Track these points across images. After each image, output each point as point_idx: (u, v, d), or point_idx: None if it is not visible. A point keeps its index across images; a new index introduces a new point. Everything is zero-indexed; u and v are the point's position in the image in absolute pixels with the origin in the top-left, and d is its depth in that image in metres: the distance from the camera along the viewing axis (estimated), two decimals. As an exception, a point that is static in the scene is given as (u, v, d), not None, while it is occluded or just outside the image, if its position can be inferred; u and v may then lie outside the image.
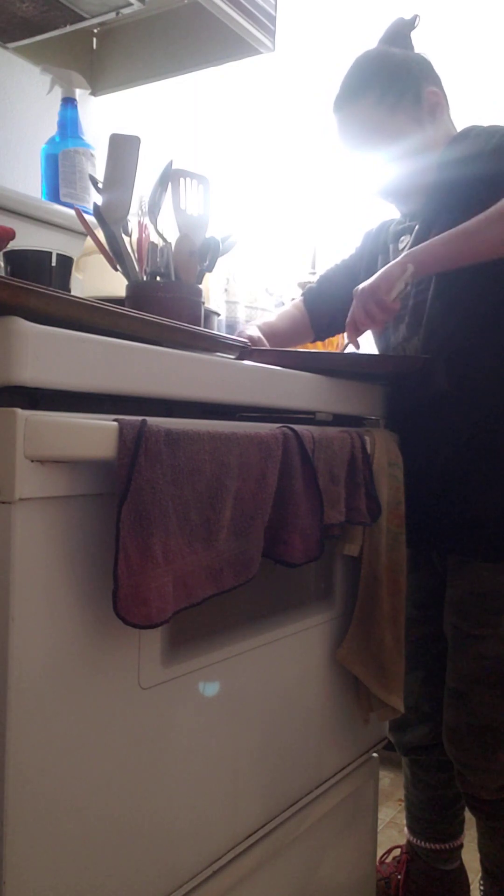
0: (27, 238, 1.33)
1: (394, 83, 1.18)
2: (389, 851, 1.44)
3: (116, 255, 1.00)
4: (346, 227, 2.04)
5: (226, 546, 0.79)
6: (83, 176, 1.58)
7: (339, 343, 1.70)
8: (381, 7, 1.74)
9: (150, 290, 0.99)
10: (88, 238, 1.17)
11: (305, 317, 1.42)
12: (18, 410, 0.62)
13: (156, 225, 1.03)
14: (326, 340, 1.56)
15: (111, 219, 0.97)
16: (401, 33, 1.24)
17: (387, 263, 1.30)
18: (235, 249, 1.13)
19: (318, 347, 1.57)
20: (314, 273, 1.96)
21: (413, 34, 1.25)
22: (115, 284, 1.08)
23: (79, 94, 1.65)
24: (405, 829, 1.39)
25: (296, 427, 0.91)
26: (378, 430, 1.13)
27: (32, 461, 0.63)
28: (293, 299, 1.74)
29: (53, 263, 0.92)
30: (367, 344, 1.46)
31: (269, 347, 1.28)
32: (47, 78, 1.62)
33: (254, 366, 0.93)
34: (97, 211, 0.97)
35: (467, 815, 1.30)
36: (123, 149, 0.97)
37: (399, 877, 1.37)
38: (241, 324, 1.54)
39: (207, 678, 0.86)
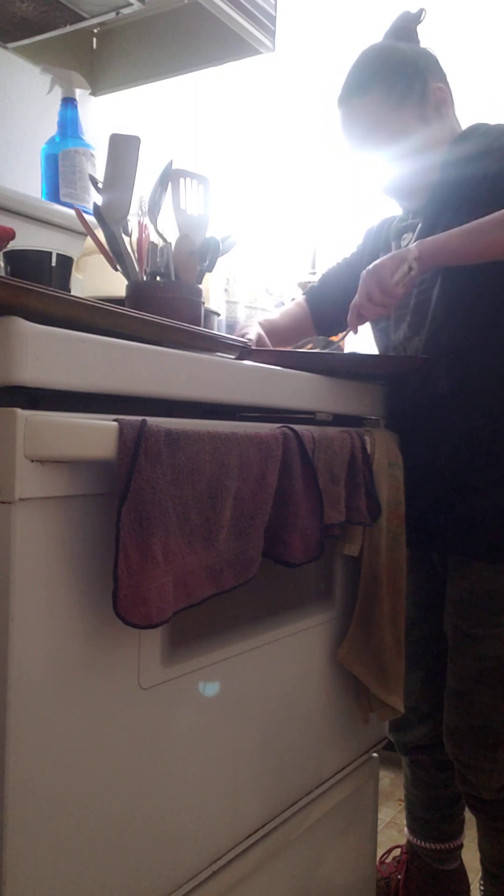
0: (27, 238, 1.33)
1: (400, 78, 1.17)
2: (389, 851, 1.44)
3: (116, 255, 1.00)
4: (346, 227, 2.04)
5: (226, 546, 0.79)
6: (83, 176, 1.59)
7: (340, 344, 1.70)
8: (382, 7, 1.74)
9: (150, 290, 0.99)
10: (88, 238, 1.17)
11: (308, 315, 1.42)
12: (18, 410, 0.62)
13: (156, 225, 1.03)
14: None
15: (111, 219, 0.97)
16: (407, 27, 1.23)
17: None
18: (235, 249, 1.12)
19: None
20: (314, 273, 1.96)
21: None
22: (115, 284, 1.08)
23: (79, 94, 1.65)
24: (405, 829, 1.39)
25: (296, 427, 0.91)
26: (378, 430, 1.13)
27: (32, 461, 0.63)
28: (293, 299, 1.74)
29: (53, 263, 0.92)
30: (368, 344, 1.47)
31: (270, 346, 1.28)
32: (47, 78, 1.62)
33: (254, 366, 0.93)
34: (97, 211, 0.97)
35: (467, 815, 1.30)
36: (123, 149, 0.97)
37: (399, 877, 1.37)
38: (242, 324, 1.54)
39: (207, 678, 0.86)
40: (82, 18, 1.55)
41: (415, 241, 1.22)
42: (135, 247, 1.01)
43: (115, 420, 0.67)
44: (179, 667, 0.81)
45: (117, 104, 1.87)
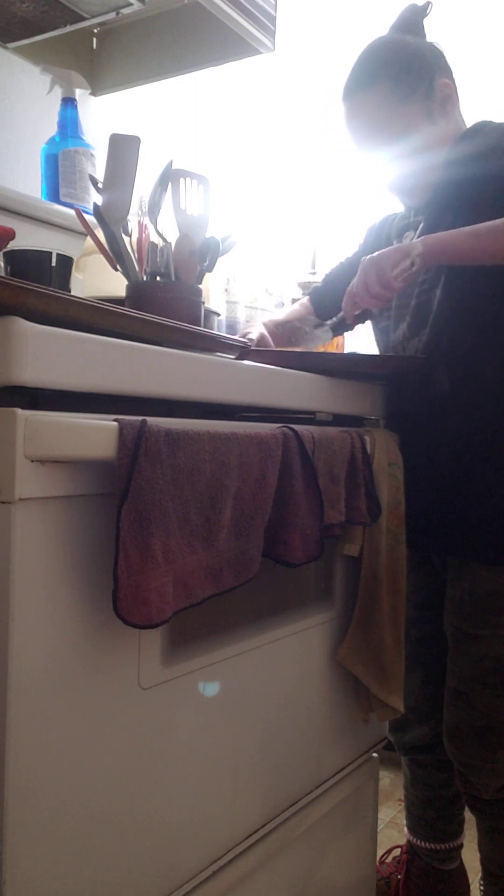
0: (27, 238, 1.33)
1: (407, 73, 1.15)
2: (389, 851, 1.44)
3: (116, 255, 1.00)
4: (346, 227, 2.04)
5: (226, 546, 0.79)
6: (83, 176, 1.59)
7: (340, 343, 1.70)
8: (382, 7, 1.74)
9: (150, 290, 0.99)
10: (88, 238, 1.17)
11: (312, 314, 1.41)
12: (18, 410, 0.62)
13: (156, 225, 1.03)
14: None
15: (111, 219, 0.97)
16: (413, 21, 1.21)
17: None
18: (235, 249, 1.12)
19: (318, 348, 1.57)
20: (314, 273, 1.96)
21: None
22: (115, 284, 1.08)
23: (79, 94, 1.65)
24: (405, 828, 1.39)
25: (296, 427, 0.91)
26: (378, 430, 1.13)
27: (32, 461, 0.63)
28: (294, 299, 1.74)
29: (53, 263, 0.92)
30: (368, 344, 1.46)
31: (272, 347, 1.28)
32: (47, 78, 1.62)
33: (254, 366, 0.93)
34: (97, 211, 0.97)
35: (467, 814, 1.30)
36: (123, 149, 0.97)
37: (399, 877, 1.37)
38: (242, 323, 1.54)
39: (207, 678, 0.86)
40: (82, 18, 1.55)
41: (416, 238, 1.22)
42: (135, 247, 1.01)
43: (115, 420, 0.67)
44: (179, 667, 0.81)
45: (117, 104, 1.87)
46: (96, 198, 0.99)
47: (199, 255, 1.02)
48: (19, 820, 0.64)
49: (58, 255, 0.92)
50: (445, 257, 1.06)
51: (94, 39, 1.82)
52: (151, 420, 0.70)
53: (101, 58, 1.82)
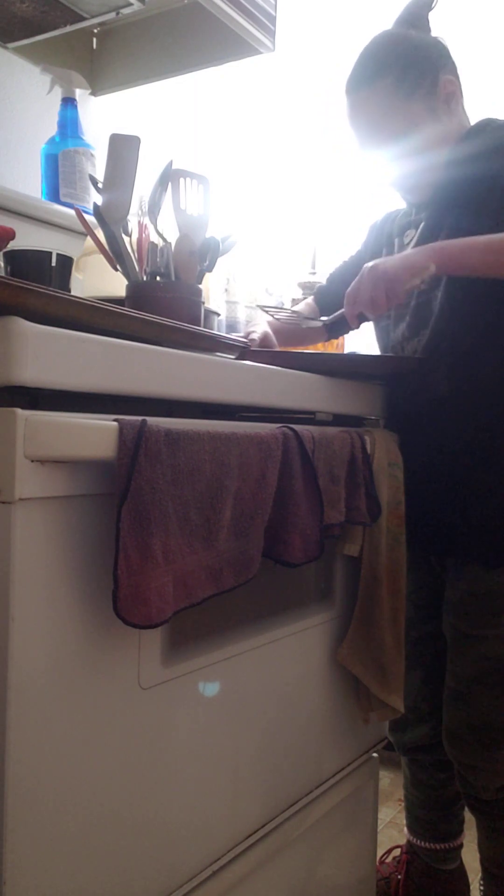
0: (27, 238, 1.33)
1: (411, 69, 1.13)
2: (389, 851, 1.44)
3: (116, 255, 1.00)
4: (346, 227, 2.04)
5: (226, 546, 0.79)
6: (83, 176, 1.59)
7: (340, 343, 1.70)
8: (382, 7, 1.74)
9: (150, 290, 0.99)
10: (88, 238, 1.17)
11: (317, 315, 1.41)
12: (18, 410, 0.62)
13: (156, 225, 1.03)
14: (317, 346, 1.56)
15: (111, 219, 0.97)
16: (418, 14, 1.19)
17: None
18: (235, 249, 1.12)
19: (318, 348, 1.57)
20: (314, 273, 1.96)
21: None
22: (115, 284, 1.08)
23: (79, 94, 1.65)
24: (405, 828, 1.39)
25: (296, 427, 0.91)
26: (378, 430, 1.13)
27: (32, 461, 0.63)
28: (294, 300, 1.74)
29: (53, 263, 0.92)
30: (368, 344, 1.46)
31: (275, 345, 1.27)
32: (47, 78, 1.62)
33: (254, 366, 0.93)
34: (97, 211, 0.97)
35: (467, 815, 1.30)
36: (123, 149, 0.97)
37: (399, 877, 1.37)
38: (242, 323, 1.54)
39: (207, 678, 0.86)
40: (82, 18, 1.55)
41: (417, 239, 1.20)
42: (135, 247, 1.01)
43: (115, 420, 0.67)
44: (179, 667, 0.81)
45: (117, 104, 1.87)
46: (96, 198, 0.99)
47: (199, 255, 1.02)
48: (19, 820, 0.64)
49: (58, 255, 0.92)
50: (460, 271, 1.05)
51: (94, 39, 1.82)
52: (151, 420, 0.70)
53: (101, 58, 1.82)
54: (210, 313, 1.16)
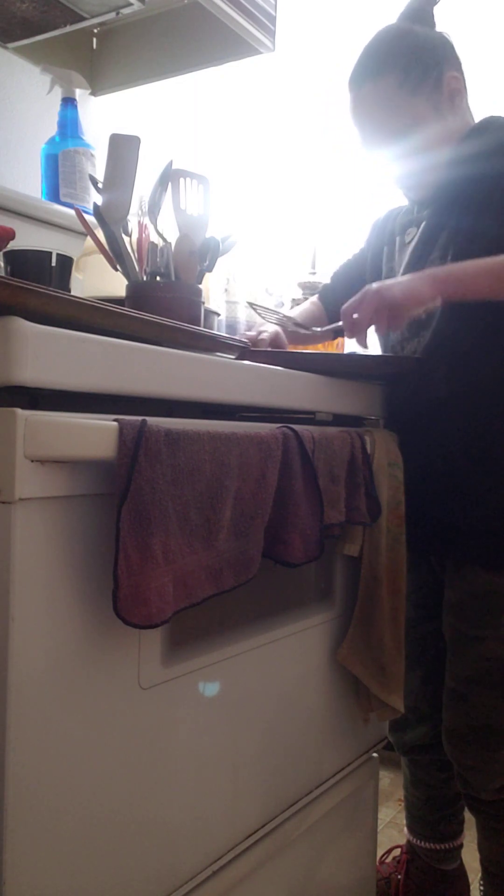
0: (27, 238, 1.33)
1: (416, 65, 1.11)
2: (389, 851, 1.44)
3: (116, 255, 1.00)
4: (346, 227, 2.04)
5: (226, 546, 0.79)
6: (83, 176, 1.59)
7: (340, 343, 1.70)
8: (381, 7, 1.74)
9: (150, 290, 0.99)
10: (88, 238, 1.17)
11: (324, 314, 1.41)
12: (18, 410, 0.62)
13: (156, 225, 1.03)
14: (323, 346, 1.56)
15: (111, 219, 0.97)
16: (423, 9, 1.17)
17: (392, 255, 1.27)
18: (235, 249, 1.12)
19: (318, 348, 1.57)
20: (314, 273, 1.96)
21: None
22: (115, 284, 1.08)
23: (79, 94, 1.65)
24: (405, 828, 1.39)
25: (296, 427, 0.91)
26: (378, 430, 1.13)
27: (32, 461, 0.63)
28: (294, 300, 1.73)
29: (53, 263, 0.92)
30: (368, 343, 1.46)
31: (286, 344, 1.26)
32: (47, 78, 1.62)
33: (254, 366, 0.93)
34: (97, 211, 0.97)
35: (467, 815, 1.30)
36: (123, 149, 0.97)
37: (399, 877, 1.37)
38: (242, 324, 1.54)
39: (207, 678, 0.86)
40: (82, 18, 1.55)
41: (418, 238, 1.19)
42: (135, 247, 1.01)
43: (115, 420, 0.67)
44: (179, 667, 0.81)
45: (117, 104, 1.87)
46: (96, 198, 0.99)
47: (199, 255, 1.02)
48: (19, 820, 0.64)
49: (58, 255, 0.92)
50: (466, 298, 1.05)
51: (94, 39, 1.82)
52: (151, 420, 0.70)
53: (101, 58, 1.82)
54: (210, 313, 1.16)
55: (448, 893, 1.34)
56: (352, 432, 1.04)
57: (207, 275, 1.07)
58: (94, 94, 1.82)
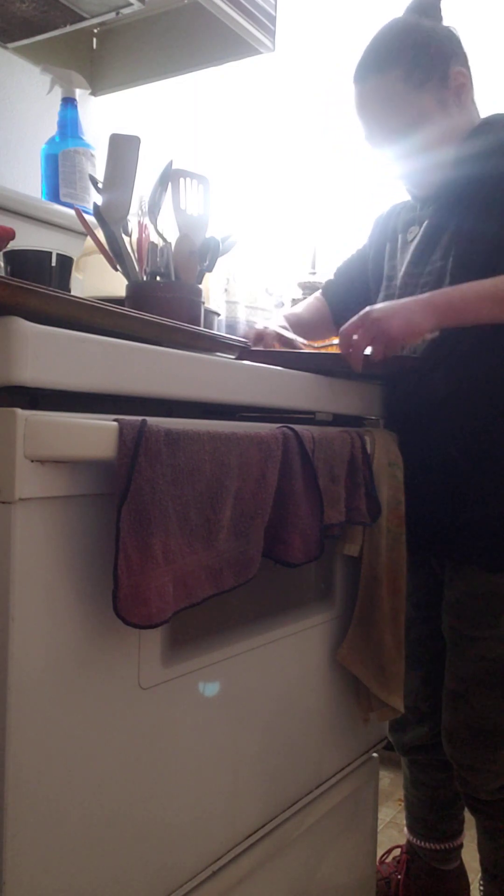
0: (27, 238, 1.33)
1: (422, 60, 1.10)
2: (389, 851, 1.44)
3: (116, 255, 1.00)
4: (346, 227, 2.04)
5: (226, 546, 0.79)
6: (83, 176, 1.59)
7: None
8: (381, 7, 1.74)
9: (150, 290, 0.99)
10: (88, 238, 1.17)
11: (327, 309, 1.40)
12: (18, 410, 0.62)
13: (156, 225, 1.03)
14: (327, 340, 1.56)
15: (111, 219, 0.97)
16: (430, 3, 1.16)
17: (394, 253, 1.26)
18: (235, 249, 1.12)
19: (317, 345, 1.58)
20: (314, 273, 1.96)
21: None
22: (115, 284, 1.08)
23: (79, 94, 1.65)
24: (405, 829, 1.39)
25: (296, 427, 0.91)
26: (378, 430, 1.13)
27: (32, 461, 0.63)
28: (294, 300, 1.74)
29: (53, 263, 0.92)
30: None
31: (293, 338, 1.26)
32: (47, 78, 1.62)
33: (254, 366, 0.93)
34: (97, 211, 0.97)
35: (467, 815, 1.30)
36: (123, 149, 0.97)
37: (399, 877, 1.37)
38: (242, 324, 1.54)
39: (207, 678, 0.86)
40: (82, 18, 1.55)
41: (420, 237, 1.19)
42: (135, 247, 1.01)
43: (115, 420, 0.67)
44: (179, 667, 0.81)
45: (117, 104, 1.88)
46: (96, 198, 0.99)
47: (199, 255, 1.02)
48: (19, 820, 0.64)
49: (58, 255, 0.92)
50: (464, 324, 1.05)
51: (94, 39, 1.82)
52: (151, 420, 0.70)
53: (101, 58, 1.82)
54: (210, 313, 1.16)
55: (448, 893, 1.34)
56: (352, 432, 1.04)
57: (207, 275, 1.07)
58: (94, 94, 1.82)
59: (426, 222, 1.19)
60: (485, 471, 1.13)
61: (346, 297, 1.38)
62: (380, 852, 1.40)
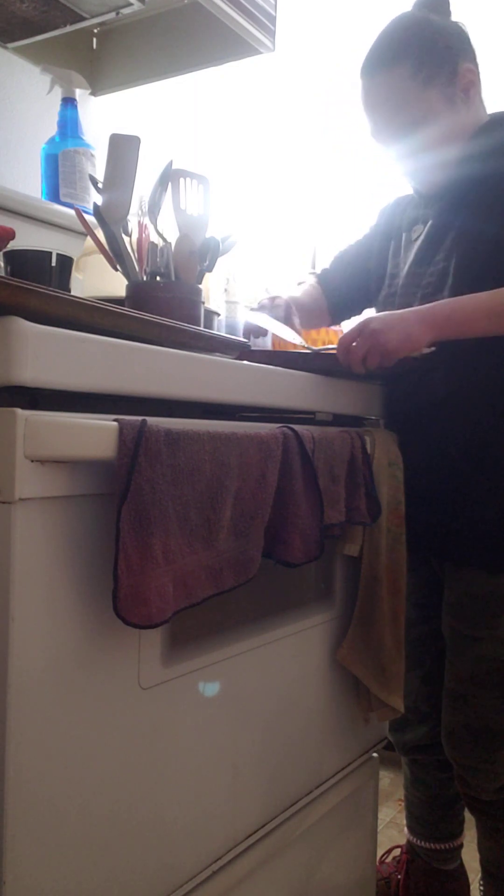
0: (27, 238, 1.33)
1: (431, 56, 1.09)
2: (389, 851, 1.44)
3: (116, 255, 1.00)
4: (346, 226, 2.04)
5: (226, 546, 0.79)
6: (83, 176, 1.58)
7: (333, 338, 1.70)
8: (382, 7, 1.74)
9: (150, 290, 0.99)
10: (88, 238, 1.17)
11: (323, 300, 1.38)
12: (18, 410, 0.62)
13: (156, 225, 1.03)
14: (326, 339, 1.56)
15: (111, 219, 0.97)
16: None
17: (398, 251, 1.26)
18: (235, 249, 1.12)
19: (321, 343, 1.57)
20: (314, 273, 1.95)
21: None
22: (115, 284, 1.08)
23: (79, 94, 1.65)
24: (405, 828, 1.39)
25: (296, 427, 0.91)
26: (378, 430, 1.13)
27: (32, 461, 0.63)
28: (300, 283, 1.70)
29: (53, 263, 0.92)
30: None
31: (296, 321, 1.25)
32: (47, 78, 1.62)
33: (254, 366, 0.93)
34: (97, 211, 0.97)
35: (467, 815, 1.30)
36: (123, 149, 0.97)
37: (399, 877, 1.37)
38: (242, 324, 1.54)
39: (207, 678, 0.86)
40: (82, 18, 1.55)
41: (424, 237, 1.18)
42: (135, 247, 1.01)
43: (115, 420, 0.67)
44: (179, 667, 0.81)
45: (117, 104, 1.87)
46: (96, 198, 0.99)
47: (199, 255, 1.02)
48: (19, 820, 0.64)
49: (58, 255, 0.92)
50: (462, 337, 1.05)
51: (94, 39, 1.82)
52: (151, 420, 0.70)
53: (101, 58, 1.82)
54: (210, 313, 1.16)
55: (448, 893, 1.34)
56: (352, 432, 1.04)
57: (207, 275, 1.07)
58: (94, 94, 1.82)
59: (430, 222, 1.19)
60: (485, 471, 1.12)
61: (345, 291, 1.36)
62: (380, 852, 1.40)
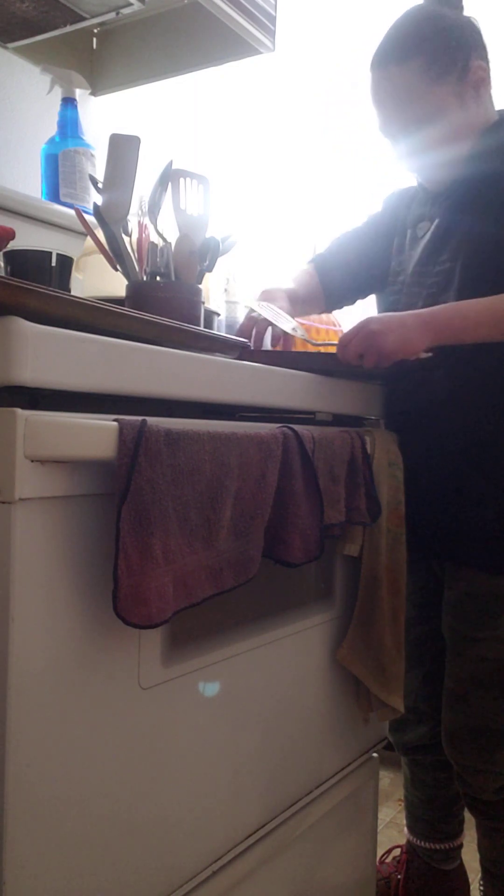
0: (27, 238, 1.33)
1: (443, 51, 1.07)
2: (389, 851, 1.44)
3: (116, 255, 1.00)
4: (345, 226, 2.04)
5: (226, 546, 0.79)
6: (83, 176, 1.59)
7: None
8: (382, 7, 1.74)
9: (150, 290, 0.99)
10: (88, 238, 1.17)
11: (318, 286, 1.35)
12: (18, 410, 0.62)
13: (156, 225, 1.03)
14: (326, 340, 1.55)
15: (111, 219, 0.97)
16: None
17: (402, 248, 1.25)
18: (235, 249, 1.12)
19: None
20: (311, 261, 1.94)
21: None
22: (115, 284, 1.08)
23: (79, 94, 1.65)
24: (405, 828, 1.39)
25: (296, 427, 0.91)
26: (378, 430, 1.13)
27: (32, 461, 0.63)
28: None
29: (53, 263, 0.92)
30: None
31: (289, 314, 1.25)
32: (47, 78, 1.62)
33: (254, 366, 0.93)
34: (97, 211, 0.97)
35: (467, 814, 1.30)
36: (123, 149, 0.97)
37: (399, 877, 1.37)
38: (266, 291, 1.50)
39: (207, 678, 0.86)
40: (82, 18, 1.55)
41: (429, 237, 1.17)
42: (135, 247, 1.01)
43: (115, 420, 0.67)
44: (179, 667, 0.81)
45: (117, 104, 1.87)
46: (96, 198, 0.99)
47: (199, 255, 1.02)
48: (19, 820, 0.64)
49: (58, 255, 0.92)
50: (459, 342, 1.05)
51: (94, 39, 1.82)
52: (151, 420, 0.70)
53: (101, 58, 1.82)
54: (210, 313, 1.16)
55: (448, 893, 1.33)
56: (352, 432, 1.04)
57: (207, 275, 1.07)
58: (94, 94, 1.82)
59: (437, 221, 1.17)
60: (485, 471, 1.12)
61: (342, 279, 1.33)
62: (380, 852, 1.40)
